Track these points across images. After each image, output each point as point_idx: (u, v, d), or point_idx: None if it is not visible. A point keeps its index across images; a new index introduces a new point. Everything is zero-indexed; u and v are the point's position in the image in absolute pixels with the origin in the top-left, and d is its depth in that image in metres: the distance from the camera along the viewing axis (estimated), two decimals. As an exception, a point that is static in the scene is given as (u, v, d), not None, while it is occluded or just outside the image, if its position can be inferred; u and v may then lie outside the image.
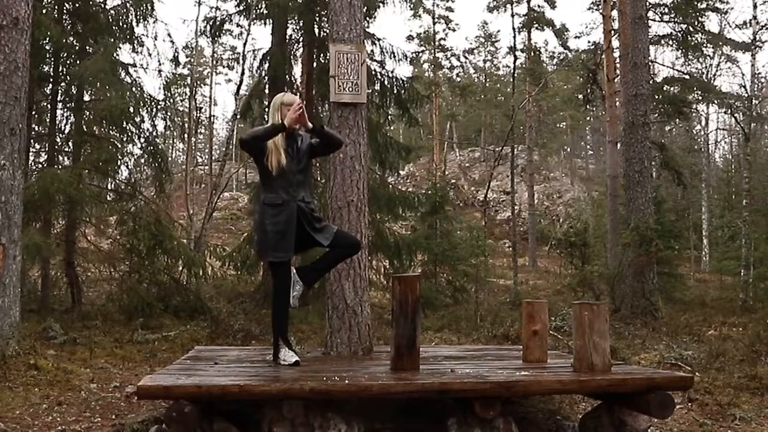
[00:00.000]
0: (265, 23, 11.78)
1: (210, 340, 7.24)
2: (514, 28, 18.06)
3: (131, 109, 8.96)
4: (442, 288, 11.77)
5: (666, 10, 14.76)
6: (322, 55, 10.79)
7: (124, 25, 9.71)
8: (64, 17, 9.43)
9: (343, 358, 4.43)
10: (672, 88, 14.83)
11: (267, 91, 11.46)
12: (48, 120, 9.40)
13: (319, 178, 10.79)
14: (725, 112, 21.55)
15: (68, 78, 9.27)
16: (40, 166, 9.44)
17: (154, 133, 9.77)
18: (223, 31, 14.10)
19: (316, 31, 11.04)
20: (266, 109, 11.62)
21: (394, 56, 11.30)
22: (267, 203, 3.93)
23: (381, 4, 11.89)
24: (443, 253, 11.47)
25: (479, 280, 11.09)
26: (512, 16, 21.04)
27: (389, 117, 11.88)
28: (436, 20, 31.04)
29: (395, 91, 11.15)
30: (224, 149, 19.98)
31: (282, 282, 3.94)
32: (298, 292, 3.98)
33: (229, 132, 19.10)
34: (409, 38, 32.19)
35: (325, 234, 3.99)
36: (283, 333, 3.98)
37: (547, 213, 29.86)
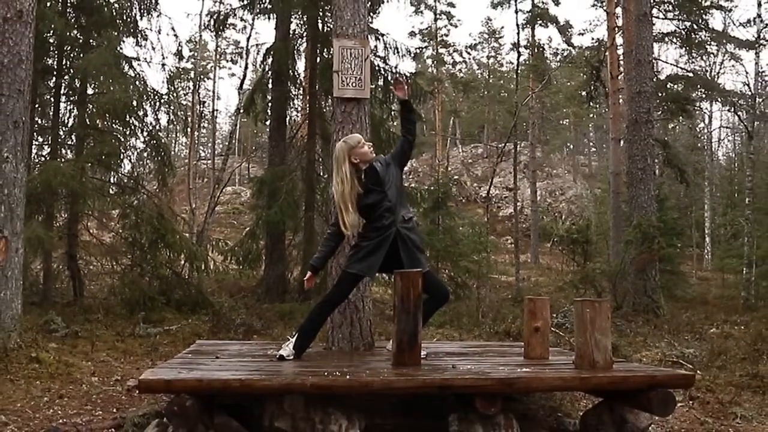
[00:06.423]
0: (268, 18, 11.76)
1: (211, 334, 7.23)
2: (517, 24, 17.85)
3: (134, 103, 8.97)
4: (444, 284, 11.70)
5: (670, 8, 14.66)
6: (325, 50, 10.75)
7: (128, 19, 9.73)
8: (68, 10, 9.42)
9: (344, 354, 4.42)
10: (675, 86, 14.75)
11: (270, 85, 11.46)
12: (51, 113, 9.42)
13: (321, 173, 10.75)
14: (728, 110, 21.47)
15: (71, 71, 9.27)
16: (43, 159, 9.45)
17: (157, 127, 9.82)
18: (227, 25, 14.07)
19: (320, 26, 11.00)
20: (268, 104, 11.69)
21: (398, 52, 11.22)
22: (374, 225, 3.91)
23: (385, 0, 11.86)
24: (445, 249, 11.41)
25: (481, 276, 11.02)
26: (516, 12, 20.97)
27: (392, 112, 11.84)
28: (438, 16, 30.94)
29: (398, 87, 11.05)
30: (227, 144, 19.95)
31: (339, 291, 3.96)
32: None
33: (232, 126, 19.08)
34: (412, 34, 32.09)
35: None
36: (302, 333, 3.90)
37: (549, 210, 29.81)
